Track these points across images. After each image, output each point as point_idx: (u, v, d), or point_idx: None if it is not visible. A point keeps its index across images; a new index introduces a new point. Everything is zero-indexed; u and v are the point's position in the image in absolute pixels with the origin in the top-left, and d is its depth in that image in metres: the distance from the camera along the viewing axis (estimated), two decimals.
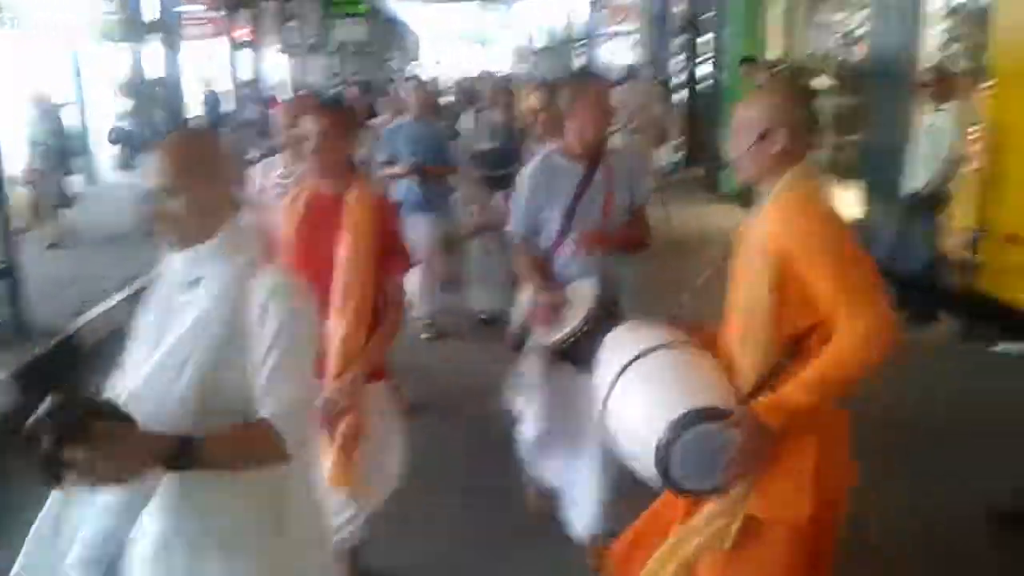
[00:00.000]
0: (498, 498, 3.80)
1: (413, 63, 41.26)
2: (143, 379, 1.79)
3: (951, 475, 3.87)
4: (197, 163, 1.84)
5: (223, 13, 14.70)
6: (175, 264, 1.89)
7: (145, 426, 1.65)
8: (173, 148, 1.86)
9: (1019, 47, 5.54)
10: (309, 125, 2.86)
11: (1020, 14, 5.56)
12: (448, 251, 6.34)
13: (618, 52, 19.82)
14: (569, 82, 3.65)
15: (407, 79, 10.78)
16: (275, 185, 3.92)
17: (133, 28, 9.53)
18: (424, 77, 26.88)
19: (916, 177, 5.85)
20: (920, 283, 5.89)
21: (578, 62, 22.89)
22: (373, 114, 9.23)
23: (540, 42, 33.54)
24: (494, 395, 3.60)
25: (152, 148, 1.86)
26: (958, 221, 6.07)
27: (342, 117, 2.98)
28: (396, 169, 5.88)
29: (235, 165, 2.14)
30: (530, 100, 4.19)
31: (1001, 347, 5.43)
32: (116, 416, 1.59)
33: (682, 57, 13.99)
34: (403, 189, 5.91)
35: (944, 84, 5.66)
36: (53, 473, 1.48)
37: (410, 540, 3.44)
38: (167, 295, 1.90)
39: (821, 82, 9.47)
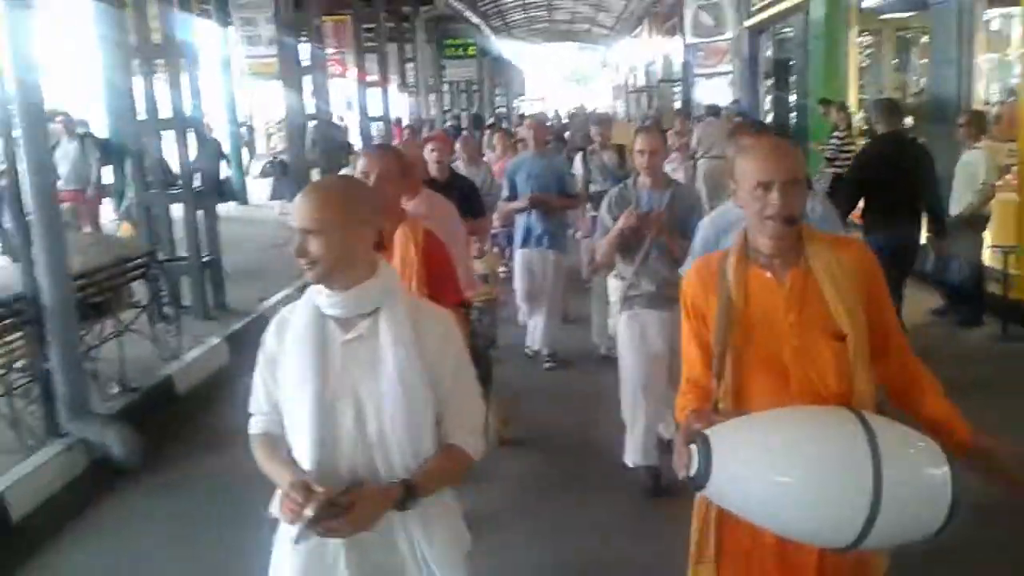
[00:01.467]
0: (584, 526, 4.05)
1: (519, 98, 43.01)
2: (382, 416, 1.92)
3: None
4: (351, 205, 1.93)
5: (353, 56, 16.63)
6: (328, 300, 1.95)
7: (395, 465, 1.92)
8: (327, 192, 1.96)
9: None
10: (367, 166, 3.02)
11: None
12: (568, 286, 6.47)
13: (714, 92, 20.89)
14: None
15: (521, 115, 12.05)
16: None
17: (291, 70, 11.28)
18: (531, 111, 28.47)
19: (958, 204, 6.94)
20: (965, 292, 6.94)
21: (676, 101, 24.10)
22: (480, 149, 9.77)
23: (638, 81, 34.73)
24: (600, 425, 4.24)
25: (311, 190, 1.94)
26: (995, 240, 7.10)
27: (396, 160, 3.09)
28: (516, 204, 6.13)
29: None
30: (638, 141, 4.20)
31: None
32: (352, 490, 1.85)
33: (770, 97, 15.14)
34: (524, 223, 6.17)
35: (975, 126, 6.76)
36: (321, 534, 1.83)
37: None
38: (319, 331, 1.96)
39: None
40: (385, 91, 16.70)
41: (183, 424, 5.49)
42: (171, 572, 3.82)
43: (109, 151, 10.00)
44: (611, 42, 40.72)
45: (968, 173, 6.82)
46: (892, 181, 5.90)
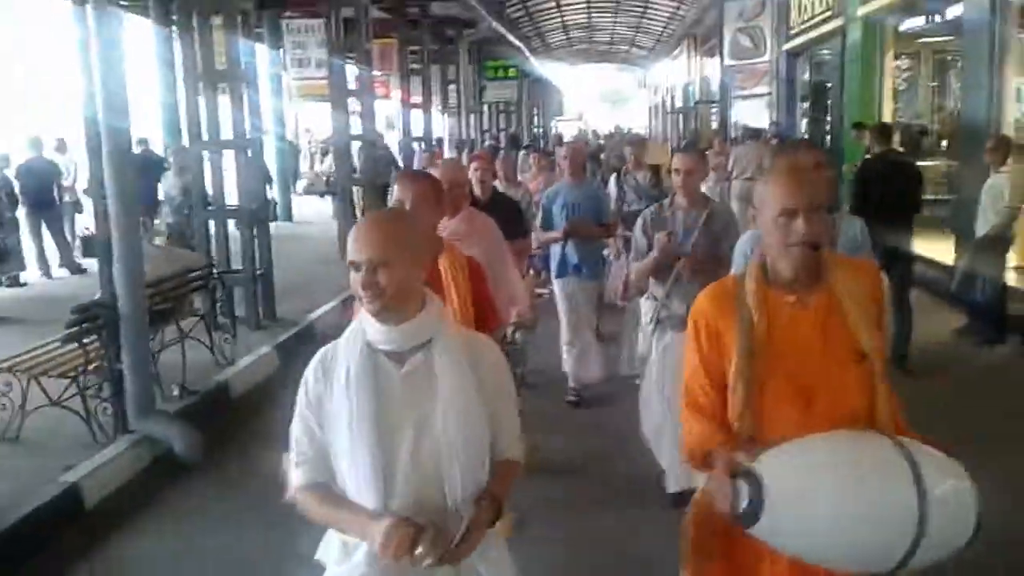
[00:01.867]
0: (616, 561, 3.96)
1: (556, 118, 43.39)
2: (452, 454, 1.93)
3: None
4: (412, 238, 1.97)
5: (397, 78, 17.14)
6: (383, 336, 1.96)
7: (456, 490, 1.94)
8: (387, 222, 2.00)
9: None
10: (402, 193, 2.95)
11: None
12: (601, 313, 6.32)
13: (751, 113, 21.07)
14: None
15: (559, 136, 12.14)
16: None
17: (340, 91, 11.76)
18: (568, 131, 28.60)
19: (983, 225, 7.13)
20: (988, 311, 7.12)
21: (714, 122, 24.32)
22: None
23: (676, 102, 34.95)
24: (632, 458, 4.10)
25: (376, 221, 1.98)
26: (1019, 260, 7.26)
27: (431, 187, 3.03)
28: (552, 235, 6.00)
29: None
30: (675, 161, 4.24)
31: None
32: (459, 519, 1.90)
33: (806, 120, 15.32)
34: (559, 252, 6.04)
35: (1001, 150, 6.97)
36: (432, 564, 1.83)
37: None
38: (372, 368, 1.96)
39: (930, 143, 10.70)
40: (428, 112, 17.15)
41: (238, 426, 5.86)
42: (226, 560, 4.15)
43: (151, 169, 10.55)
44: (649, 63, 40.98)
45: (993, 196, 7.02)
46: (883, 195, 6.47)
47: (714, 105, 25.05)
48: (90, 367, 5.14)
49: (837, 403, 2.02)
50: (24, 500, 4.33)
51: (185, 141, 8.46)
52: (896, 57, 12.62)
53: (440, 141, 19.68)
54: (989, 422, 5.21)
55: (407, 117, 16.30)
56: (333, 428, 1.96)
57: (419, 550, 1.79)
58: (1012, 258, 7.35)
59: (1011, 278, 7.28)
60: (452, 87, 21.09)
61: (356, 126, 12.56)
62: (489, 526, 1.96)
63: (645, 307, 4.58)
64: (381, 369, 1.95)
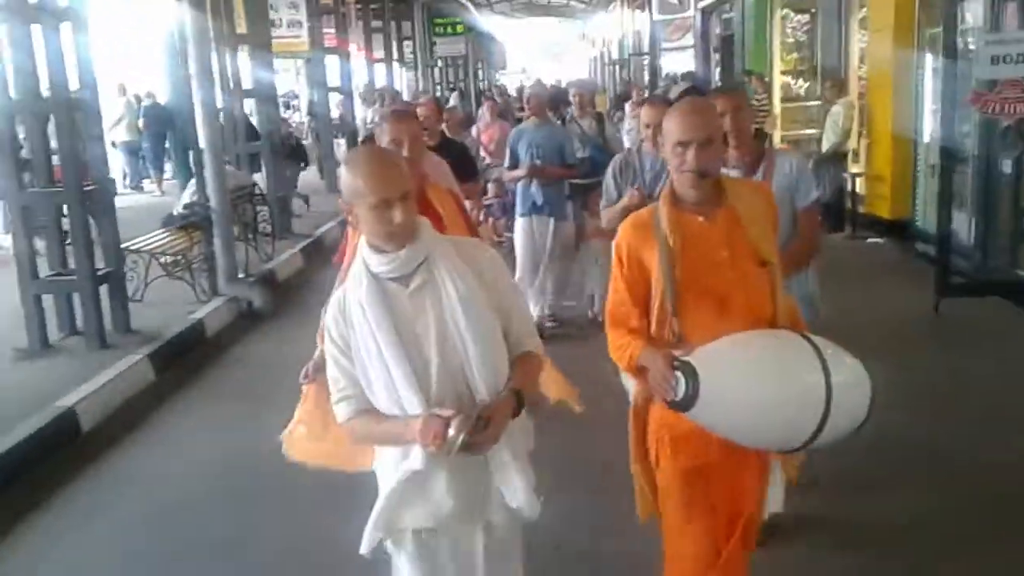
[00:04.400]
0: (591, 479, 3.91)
1: (501, 72, 44.83)
2: (470, 350, 2.09)
3: None
4: (409, 169, 2.18)
5: (361, 35, 19.15)
6: (388, 265, 2.09)
7: (481, 386, 2.10)
8: (396, 161, 2.17)
9: (880, 63, 9.30)
10: (397, 132, 3.15)
11: (882, 51, 9.31)
12: (565, 253, 6.43)
13: (678, 64, 23.32)
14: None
15: (519, 89, 13.33)
16: None
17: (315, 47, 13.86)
18: (513, 85, 30.30)
19: (825, 144, 9.67)
20: (832, 207, 9.66)
21: (644, 73, 26.56)
22: (470, 119, 11.17)
23: (612, 55, 36.91)
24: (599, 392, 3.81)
25: (384, 162, 2.11)
26: (852, 168, 9.84)
27: (417, 124, 3.29)
28: (516, 173, 6.19)
29: None
30: (641, 115, 4.31)
31: (870, 240, 9.21)
32: (482, 408, 2.05)
33: (719, 69, 17.75)
34: (524, 191, 6.22)
35: (836, 87, 9.50)
36: (467, 451, 2.00)
37: None
38: (384, 296, 2.10)
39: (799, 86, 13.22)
40: (390, 67, 19.24)
41: (286, 297, 8.12)
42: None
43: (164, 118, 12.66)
44: (588, 16, 42.60)
45: (832, 121, 9.55)
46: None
47: (645, 57, 27.30)
48: (192, 249, 7.39)
49: (747, 305, 2.32)
50: (168, 330, 6.57)
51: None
52: (796, 12, 14.99)
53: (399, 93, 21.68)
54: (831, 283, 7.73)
55: (371, 72, 18.33)
56: (364, 359, 2.11)
57: (450, 433, 1.97)
58: (851, 168, 9.88)
59: (850, 183, 9.81)
60: (407, 43, 23.05)
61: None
62: (513, 416, 2.12)
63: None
64: (390, 294, 2.10)
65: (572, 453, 4.01)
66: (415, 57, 22.57)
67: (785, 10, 13.91)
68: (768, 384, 2.18)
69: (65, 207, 6.09)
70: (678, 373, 2.19)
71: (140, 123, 15.21)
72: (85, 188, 6.02)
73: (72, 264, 6.18)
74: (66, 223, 6.36)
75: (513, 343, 2.21)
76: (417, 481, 2.15)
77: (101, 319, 6.12)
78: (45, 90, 6.00)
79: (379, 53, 19.45)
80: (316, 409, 2.77)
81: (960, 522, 3.64)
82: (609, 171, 4.30)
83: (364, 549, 2.21)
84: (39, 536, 3.98)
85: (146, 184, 15.44)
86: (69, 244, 6.31)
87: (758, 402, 2.17)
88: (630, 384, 2.91)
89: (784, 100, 13.40)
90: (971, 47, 6.71)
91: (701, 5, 18.48)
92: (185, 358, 6.33)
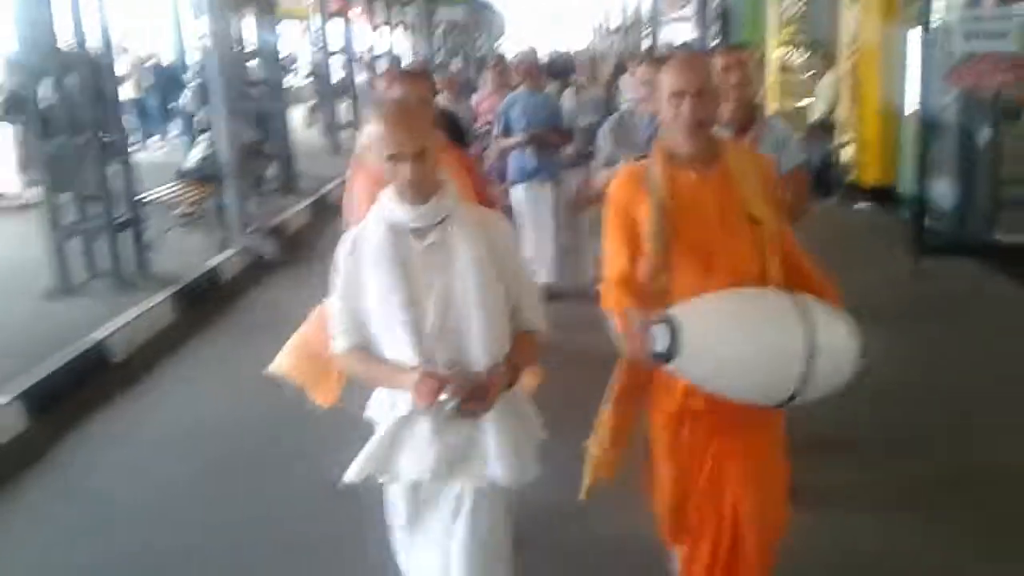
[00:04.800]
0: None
1: (500, 39, 44.75)
2: (473, 316, 2.15)
3: None
4: (431, 127, 2.23)
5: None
6: (409, 214, 2.15)
7: (479, 350, 2.16)
8: (418, 117, 2.21)
9: (868, 37, 9.61)
10: (397, 91, 3.21)
11: (870, 24, 9.61)
12: (566, 219, 6.42)
13: (679, 34, 23.51)
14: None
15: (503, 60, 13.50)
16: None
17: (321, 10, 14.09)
18: (513, 53, 30.43)
19: (814, 113, 10.01)
20: (820, 174, 10.02)
21: (645, 43, 26.74)
22: (472, 86, 11.12)
23: (614, 24, 36.95)
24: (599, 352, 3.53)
25: (404, 117, 2.17)
26: (840, 137, 10.19)
27: (423, 83, 3.30)
28: (512, 140, 6.17)
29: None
30: (638, 73, 4.26)
31: (856, 206, 9.58)
32: (480, 376, 2.12)
33: (717, 40, 17.98)
34: (518, 158, 6.20)
35: (826, 60, 9.82)
36: (459, 416, 2.11)
37: None
38: (396, 244, 2.16)
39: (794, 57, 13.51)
40: (391, 32, 19.41)
41: (295, 248, 8.47)
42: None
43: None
44: None
45: (822, 92, 9.89)
46: None
47: (646, 26, 27.46)
48: (206, 201, 7.73)
49: (733, 264, 2.31)
50: (186, 276, 6.93)
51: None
52: None
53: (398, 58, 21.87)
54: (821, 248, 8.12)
55: (374, 36, 18.53)
56: (367, 298, 2.18)
57: (443, 396, 2.04)
58: (839, 137, 10.23)
59: (839, 152, 10.17)
60: (409, 8, 23.18)
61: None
62: (506, 388, 2.19)
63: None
64: (404, 245, 2.16)
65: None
66: (417, 23, 22.72)
67: None
68: (748, 337, 2.20)
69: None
70: (661, 325, 2.19)
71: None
72: (103, 140, 6.34)
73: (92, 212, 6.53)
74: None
75: (517, 319, 2.27)
76: (405, 427, 2.22)
77: (120, 263, 6.47)
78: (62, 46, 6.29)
79: (381, 18, 19.61)
80: (315, 332, 2.89)
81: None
82: (605, 129, 4.31)
83: (349, 477, 2.27)
84: (80, 453, 4.37)
85: (150, 142, 15.72)
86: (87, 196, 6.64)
87: (738, 355, 2.19)
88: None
89: (780, 72, 13.70)
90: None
91: None
92: (202, 301, 6.71)
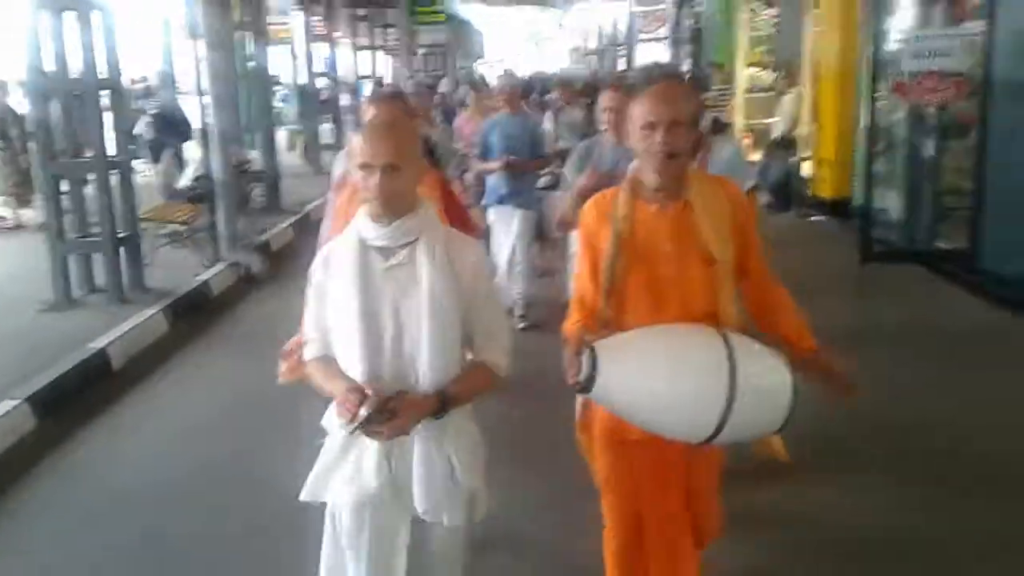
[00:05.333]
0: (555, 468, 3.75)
1: (479, 60, 45.27)
2: (416, 333, 2.17)
3: None
4: (412, 143, 2.24)
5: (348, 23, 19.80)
6: (376, 232, 2.19)
7: (424, 377, 2.17)
8: (396, 130, 2.22)
9: (826, 57, 10.14)
10: (376, 114, 3.22)
11: (829, 45, 10.14)
12: (541, 243, 6.52)
13: (652, 55, 24.10)
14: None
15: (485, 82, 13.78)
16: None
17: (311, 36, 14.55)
18: (493, 74, 30.99)
19: (777, 130, 10.53)
20: (780, 188, 10.54)
21: (620, 63, 27.34)
22: (451, 108, 11.80)
23: (592, 44, 37.57)
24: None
25: (384, 129, 2.23)
26: (800, 154, 10.71)
27: (402, 107, 3.32)
28: (490, 164, 6.24)
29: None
30: (603, 99, 4.23)
31: (814, 218, 10.08)
32: (399, 397, 2.12)
33: (689, 59, 18.59)
34: (493, 181, 6.30)
35: (789, 78, 10.36)
36: (368, 434, 2.13)
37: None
38: (362, 260, 2.19)
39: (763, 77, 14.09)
40: (374, 54, 19.92)
41: (280, 264, 8.86)
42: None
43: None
44: (568, 5, 43.24)
45: (784, 109, 10.42)
46: None
47: (622, 47, 28.08)
48: (196, 219, 8.13)
49: (684, 300, 2.31)
50: (178, 290, 7.31)
51: None
52: (768, 6, 15.82)
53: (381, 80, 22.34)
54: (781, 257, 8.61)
55: (356, 59, 19.02)
56: (333, 313, 2.24)
57: (361, 411, 2.04)
58: (800, 152, 10.76)
59: (801, 167, 10.69)
60: (391, 30, 23.69)
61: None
62: (431, 416, 2.16)
63: (574, 237, 4.58)
64: (369, 262, 2.18)
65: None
66: (400, 44, 23.23)
67: (755, 3, 14.78)
68: (669, 373, 2.19)
69: (90, 176, 6.81)
70: (585, 353, 2.20)
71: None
72: (108, 160, 6.74)
73: (90, 229, 6.92)
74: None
75: (475, 349, 2.28)
76: (348, 449, 2.25)
77: (120, 277, 6.85)
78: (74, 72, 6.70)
79: (363, 40, 20.10)
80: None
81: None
82: (570, 160, 4.31)
83: (304, 496, 2.33)
84: (86, 450, 4.74)
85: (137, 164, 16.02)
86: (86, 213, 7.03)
87: (655, 391, 2.19)
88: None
89: (748, 91, 14.28)
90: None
91: None
92: (194, 314, 7.08)
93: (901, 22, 8.14)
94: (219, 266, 8.11)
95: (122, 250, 6.98)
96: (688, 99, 2.31)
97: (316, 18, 16.17)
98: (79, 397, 5.30)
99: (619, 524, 2.58)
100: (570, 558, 3.32)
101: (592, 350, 2.20)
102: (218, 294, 7.72)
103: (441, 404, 2.19)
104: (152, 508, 4.07)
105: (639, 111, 2.31)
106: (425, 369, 2.18)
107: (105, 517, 4.01)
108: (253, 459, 4.50)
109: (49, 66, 6.54)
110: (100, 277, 7.01)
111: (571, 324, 2.43)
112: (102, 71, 6.73)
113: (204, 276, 7.76)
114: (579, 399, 2.60)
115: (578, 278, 2.50)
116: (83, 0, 6.62)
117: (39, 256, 7.00)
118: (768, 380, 2.21)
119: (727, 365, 2.15)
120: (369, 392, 2.10)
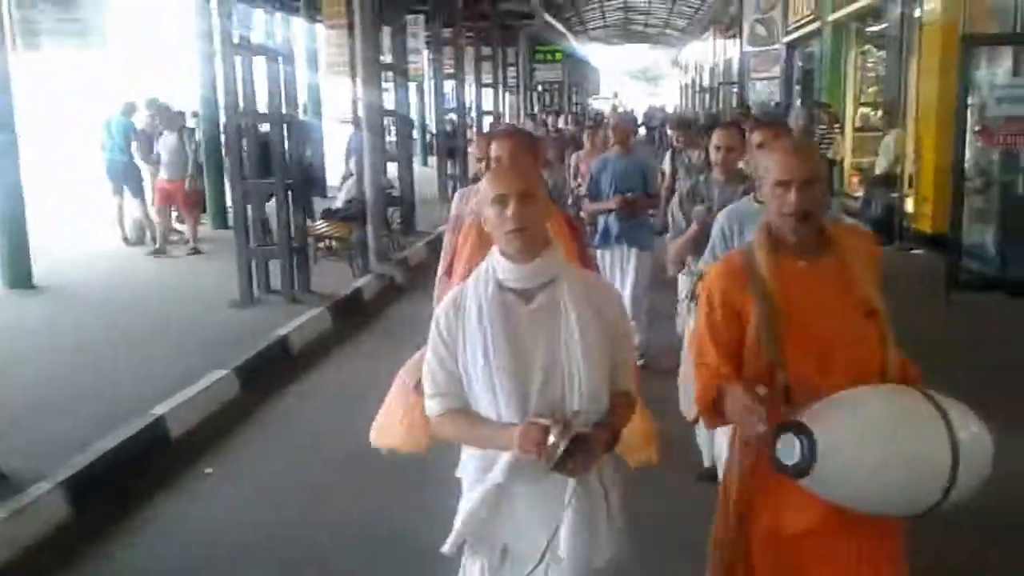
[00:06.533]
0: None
1: (594, 96, 46.50)
2: (577, 380, 2.10)
3: None
4: (539, 175, 2.28)
5: (472, 62, 21.26)
6: (514, 273, 2.13)
7: (588, 416, 2.09)
8: (524, 161, 2.34)
9: (928, 99, 10.70)
10: (497, 149, 3.23)
11: (930, 88, 10.70)
12: (650, 282, 6.34)
13: (766, 94, 24.64)
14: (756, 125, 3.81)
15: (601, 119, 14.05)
16: (471, 212, 3.67)
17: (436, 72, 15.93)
18: (606, 110, 32.15)
19: (878, 168, 11.14)
20: (883, 222, 11.10)
21: (732, 100, 27.96)
22: (569, 143, 12.32)
23: (703, 82, 38.25)
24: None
25: (502, 166, 2.33)
26: (902, 190, 11.27)
27: (525, 141, 3.32)
28: (600, 205, 6.24)
29: None
30: (715, 136, 4.23)
31: (913, 251, 10.63)
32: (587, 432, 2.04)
33: (799, 100, 19.15)
34: (603, 222, 6.27)
35: (890, 117, 10.97)
36: (560, 469, 2.01)
37: None
38: (502, 305, 2.13)
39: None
40: (496, 91, 21.32)
41: (417, 277, 10.04)
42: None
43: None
44: (682, 42, 43.84)
45: (885, 148, 11.04)
46: None
47: (734, 86, 28.70)
48: (351, 235, 9.43)
49: (852, 358, 2.20)
50: (337, 294, 8.55)
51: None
52: (878, 49, 16.34)
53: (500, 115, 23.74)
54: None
55: (479, 95, 20.43)
56: (468, 360, 2.15)
57: (551, 439, 1.98)
58: (902, 189, 11.31)
59: (904, 203, 11.25)
60: (511, 69, 25.15)
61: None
62: (605, 450, 2.15)
63: (683, 283, 4.51)
64: (509, 306, 2.13)
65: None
66: (518, 82, 24.65)
67: (867, 46, 15.37)
68: (891, 443, 2.06)
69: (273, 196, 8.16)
70: (791, 435, 2.07)
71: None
72: (288, 183, 8.09)
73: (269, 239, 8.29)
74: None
75: (614, 383, 2.22)
76: (498, 496, 2.20)
77: (292, 281, 8.15)
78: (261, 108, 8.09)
79: (487, 78, 21.54)
80: (397, 397, 3.30)
81: None
82: (674, 201, 4.27)
83: (447, 548, 2.27)
84: (276, 414, 5.92)
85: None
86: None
87: (881, 463, 2.05)
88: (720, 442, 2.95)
89: (857, 130, 14.82)
90: None
91: (786, 40, 19.96)
92: (351, 313, 8.32)
93: (993, 70, 8.74)
94: (368, 276, 9.37)
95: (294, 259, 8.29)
96: (816, 153, 2.31)
97: (446, 59, 17.62)
98: (270, 371, 6.51)
99: None
100: None
101: (806, 429, 2.08)
102: (369, 299, 8.95)
103: (615, 440, 2.20)
104: (336, 453, 5.14)
105: (770, 166, 2.26)
106: (581, 410, 2.13)
107: (301, 464, 5.15)
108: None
109: (240, 102, 7.92)
110: (275, 281, 8.31)
111: (705, 380, 2.32)
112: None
113: (357, 283, 9.02)
114: (721, 494, 2.43)
115: (700, 344, 2.37)
116: (270, 47, 8.02)
117: (212, 266, 8.35)
118: (977, 434, 2.10)
119: (943, 425, 2.04)
120: (546, 422, 2.03)
